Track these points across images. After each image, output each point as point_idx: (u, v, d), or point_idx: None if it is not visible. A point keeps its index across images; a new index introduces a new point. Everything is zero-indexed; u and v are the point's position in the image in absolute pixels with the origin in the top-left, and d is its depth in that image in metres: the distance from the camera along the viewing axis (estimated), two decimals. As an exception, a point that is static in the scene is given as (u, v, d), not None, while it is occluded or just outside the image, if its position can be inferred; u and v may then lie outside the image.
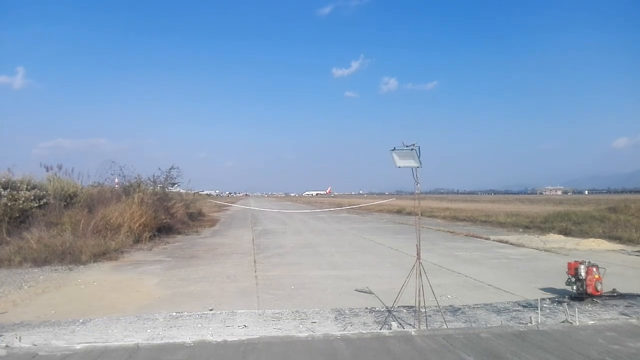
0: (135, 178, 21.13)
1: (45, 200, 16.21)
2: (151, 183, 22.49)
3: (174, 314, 7.26)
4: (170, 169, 24.02)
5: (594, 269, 7.97)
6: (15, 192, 15.42)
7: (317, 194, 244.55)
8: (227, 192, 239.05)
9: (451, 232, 21.11)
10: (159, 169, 24.16)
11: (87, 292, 9.00)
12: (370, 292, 8.77)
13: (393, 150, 6.73)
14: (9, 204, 15.02)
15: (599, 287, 7.95)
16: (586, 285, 7.91)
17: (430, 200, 68.60)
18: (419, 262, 6.23)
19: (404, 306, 7.36)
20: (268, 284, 9.60)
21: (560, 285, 8.51)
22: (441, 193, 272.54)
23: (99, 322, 6.80)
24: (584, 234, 18.07)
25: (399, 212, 39.71)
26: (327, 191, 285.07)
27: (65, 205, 16.62)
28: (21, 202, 15.30)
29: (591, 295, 7.92)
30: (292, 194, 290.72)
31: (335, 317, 7.03)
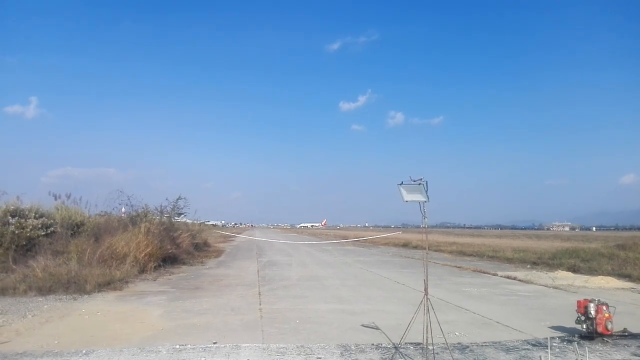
0: (143, 208, 21.18)
1: (52, 228, 16.27)
2: (158, 213, 22.54)
3: (178, 346, 7.18)
4: (178, 199, 24.12)
5: (604, 308, 7.83)
6: (23, 220, 15.52)
7: (311, 226, 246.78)
8: (232, 223, 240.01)
9: (458, 267, 20.88)
10: (166, 199, 24.23)
11: (90, 323, 8.93)
12: (377, 328, 8.64)
13: (401, 184, 6.76)
14: (17, 232, 15.09)
15: (609, 326, 7.79)
16: (596, 324, 7.76)
17: (436, 234, 68.06)
18: (427, 298, 6.17)
19: (411, 343, 7.24)
20: (273, 318, 9.48)
21: (570, 323, 8.35)
22: (447, 227, 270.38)
23: (102, 354, 6.73)
24: (593, 272, 17.80)
25: (405, 245, 39.34)
26: (323, 223, 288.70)
27: (72, 234, 16.67)
28: (29, 230, 15.37)
29: (601, 335, 7.76)
30: (285, 225, 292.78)
31: (341, 353, 6.92)
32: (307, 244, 44.73)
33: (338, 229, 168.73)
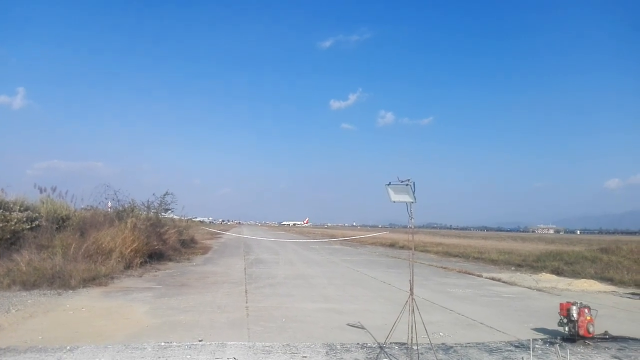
0: (129, 203, 21.01)
1: (37, 222, 16.08)
2: (145, 208, 22.40)
3: (163, 343, 7.15)
4: (165, 195, 24.01)
5: (586, 311, 7.97)
6: (7, 213, 15.30)
7: (294, 224, 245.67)
8: (220, 220, 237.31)
9: (444, 268, 21.05)
10: (154, 194, 24.11)
11: (75, 318, 8.87)
12: (362, 327, 8.69)
13: (388, 185, 6.79)
14: (1, 225, 14.88)
15: (590, 329, 7.93)
16: (578, 327, 7.90)
17: (423, 235, 68.49)
18: (412, 298, 6.23)
19: (396, 343, 7.30)
20: (259, 316, 9.49)
21: (552, 325, 8.48)
22: (434, 227, 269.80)
23: (87, 350, 6.69)
24: (576, 274, 18.06)
25: (392, 245, 39.56)
26: (305, 222, 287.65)
27: (57, 228, 16.49)
28: (13, 223, 15.16)
29: (583, 337, 7.89)
30: (272, 223, 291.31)
31: (327, 352, 6.96)
32: (295, 242, 44.72)
33: (326, 228, 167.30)
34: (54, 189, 18.32)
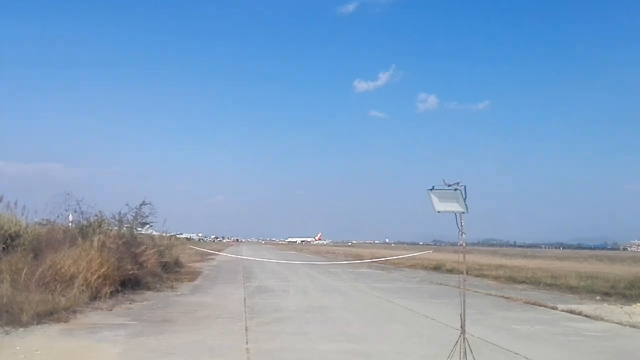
0: (96, 215, 21.12)
1: (-22, 241, 16.29)
2: (116, 222, 22.55)
3: (140, 396, 7.19)
4: (142, 205, 24.09)
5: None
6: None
7: (302, 241, 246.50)
8: (212, 237, 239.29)
9: (506, 298, 20.83)
10: (127, 204, 24.17)
11: (27, 364, 8.93)
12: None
13: (431, 190, 6.78)
14: None
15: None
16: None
17: (478, 255, 67.62)
18: (463, 337, 6.16)
19: (443, 396, 7.22)
20: (263, 360, 9.49)
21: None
22: (493, 245, 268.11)
23: (42, 404, 6.74)
24: (684, 306, 17.67)
25: (437, 268, 39.44)
26: (317, 238, 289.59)
27: (4, 248, 16.67)
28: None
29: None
30: (280, 240, 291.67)
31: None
32: (309, 264, 44.86)
33: (349, 246, 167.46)
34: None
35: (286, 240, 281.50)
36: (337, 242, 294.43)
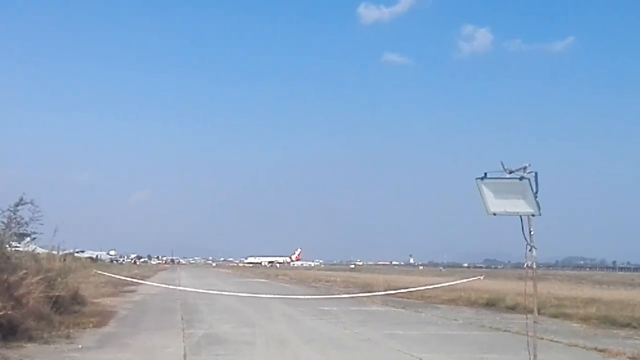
0: None
1: None
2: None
3: None
4: (17, 206, 18.84)
5: None
6: None
7: (270, 263, 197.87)
8: (132, 256, 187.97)
9: (600, 351, 15.55)
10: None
11: None
12: None
13: (483, 179, 5.65)
14: None
15: None
16: None
17: (557, 282, 55.78)
18: None
19: None
20: None
21: None
22: (579, 267, 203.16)
23: None
24: None
25: (491, 305, 30.85)
26: (295, 257, 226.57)
27: None
28: None
29: None
30: (242, 260, 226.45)
31: None
32: (287, 299, 34.61)
33: (351, 270, 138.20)
34: None
35: (245, 261, 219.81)
36: (333, 264, 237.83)
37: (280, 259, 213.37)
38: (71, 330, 17.79)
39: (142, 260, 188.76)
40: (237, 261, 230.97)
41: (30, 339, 15.86)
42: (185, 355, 14.13)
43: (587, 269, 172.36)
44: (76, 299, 23.98)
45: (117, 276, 41.06)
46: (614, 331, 20.47)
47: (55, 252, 24.95)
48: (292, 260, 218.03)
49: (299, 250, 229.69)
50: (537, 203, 5.52)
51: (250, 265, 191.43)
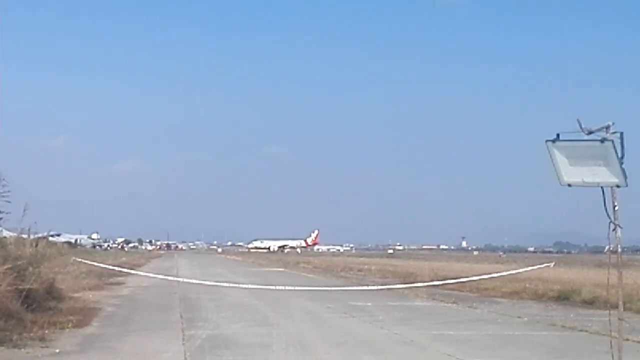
0: None
1: None
2: None
3: None
4: None
5: None
6: None
7: (280, 248, 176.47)
8: (119, 240, 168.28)
9: None
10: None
11: None
12: None
13: (554, 142, 5.10)
14: None
15: None
16: None
17: None
18: None
19: None
20: None
21: None
22: None
23: None
24: None
25: (564, 298, 27.76)
26: (312, 241, 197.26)
27: None
28: None
29: None
30: (254, 244, 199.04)
31: None
32: (309, 291, 32.12)
33: (388, 257, 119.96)
34: None
35: (249, 246, 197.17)
36: (367, 249, 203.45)
37: (293, 243, 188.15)
38: (46, 331, 16.41)
39: (131, 245, 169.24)
40: (248, 246, 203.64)
41: (-2, 341, 14.99)
42: (186, 361, 12.77)
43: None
44: (51, 293, 22.16)
45: (101, 265, 38.31)
46: None
47: (25, 236, 22.71)
48: (308, 245, 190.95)
49: (316, 232, 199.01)
50: (623, 171, 4.87)
51: (258, 250, 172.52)
